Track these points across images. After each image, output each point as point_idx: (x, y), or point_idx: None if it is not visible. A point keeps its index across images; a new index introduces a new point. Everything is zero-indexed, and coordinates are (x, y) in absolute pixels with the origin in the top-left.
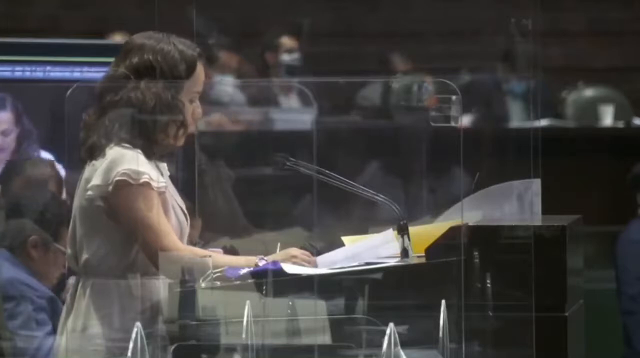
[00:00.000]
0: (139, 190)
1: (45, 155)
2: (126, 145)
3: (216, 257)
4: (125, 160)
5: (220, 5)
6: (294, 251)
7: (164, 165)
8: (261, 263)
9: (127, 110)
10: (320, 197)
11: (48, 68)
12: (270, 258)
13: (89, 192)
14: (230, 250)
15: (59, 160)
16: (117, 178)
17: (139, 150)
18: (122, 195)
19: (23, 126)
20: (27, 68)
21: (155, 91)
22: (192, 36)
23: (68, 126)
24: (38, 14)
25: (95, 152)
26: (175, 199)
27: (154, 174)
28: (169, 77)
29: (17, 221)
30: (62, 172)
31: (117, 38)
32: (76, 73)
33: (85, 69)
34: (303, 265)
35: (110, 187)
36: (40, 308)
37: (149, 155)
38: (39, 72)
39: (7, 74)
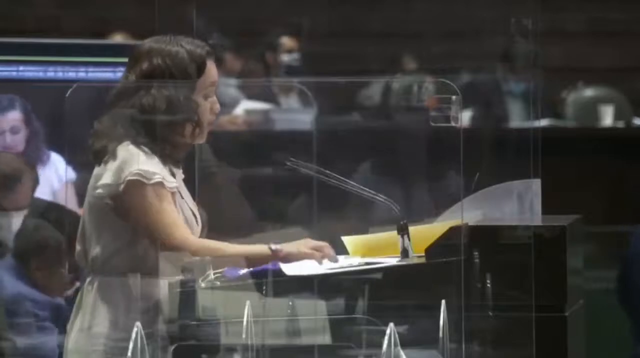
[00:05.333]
0: (151, 190)
1: (55, 155)
2: (136, 146)
3: (227, 246)
4: (137, 160)
5: (220, 5)
6: (310, 243)
7: (179, 171)
8: (274, 251)
9: (138, 114)
10: (320, 197)
11: (52, 68)
12: (283, 246)
13: (99, 190)
14: None
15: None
16: (130, 178)
17: (148, 151)
18: (135, 195)
19: (32, 127)
20: (28, 68)
21: (166, 94)
22: (192, 36)
23: (68, 126)
24: (38, 14)
25: (105, 154)
26: (187, 201)
27: (165, 174)
28: (179, 79)
29: (34, 220)
30: (70, 173)
31: (117, 38)
32: (74, 73)
33: (85, 68)
34: (316, 259)
35: (122, 186)
36: (45, 319)
37: (164, 158)
38: (41, 72)
39: (7, 74)
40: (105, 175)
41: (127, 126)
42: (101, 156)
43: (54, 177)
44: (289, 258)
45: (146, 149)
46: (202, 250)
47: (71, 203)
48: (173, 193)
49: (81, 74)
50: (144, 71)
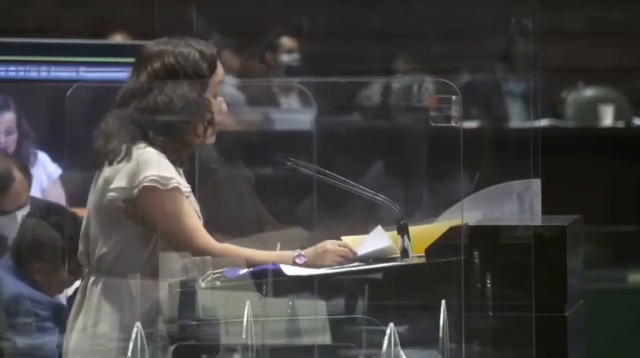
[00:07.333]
0: (169, 195)
1: (42, 154)
2: (152, 149)
3: (249, 252)
4: (152, 165)
5: (220, 5)
6: (329, 245)
7: (180, 170)
8: (298, 260)
9: (153, 113)
10: (320, 197)
11: (52, 68)
12: (306, 252)
13: (112, 194)
14: None
15: (55, 160)
16: (146, 183)
17: (164, 154)
18: (151, 201)
19: (22, 128)
20: (27, 68)
21: (181, 93)
22: (193, 36)
23: (68, 126)
24: (38, 14)
25: (117, 155)
26: (191, 201)
27: (180, 178)
28: (192, 79)
29: (32, 220)
30: (58, 171)
31: (117, 38)
32: (75, 73)
33: (85, 68)
34: (340, 261)
35: (136, 191)
36: (46, 319)
37: (174, 159)
38: (40, 72)
39: (6, 74)
40: (119, 178)
41: (140, 125)
42: (112, 157)
43: (43, 175)
44: (312, 264)
45: (161, 152)
46: (224, 255)
47: (63, 201)
48: (187, 196)
49: (81, 73)
50: (156, 71)
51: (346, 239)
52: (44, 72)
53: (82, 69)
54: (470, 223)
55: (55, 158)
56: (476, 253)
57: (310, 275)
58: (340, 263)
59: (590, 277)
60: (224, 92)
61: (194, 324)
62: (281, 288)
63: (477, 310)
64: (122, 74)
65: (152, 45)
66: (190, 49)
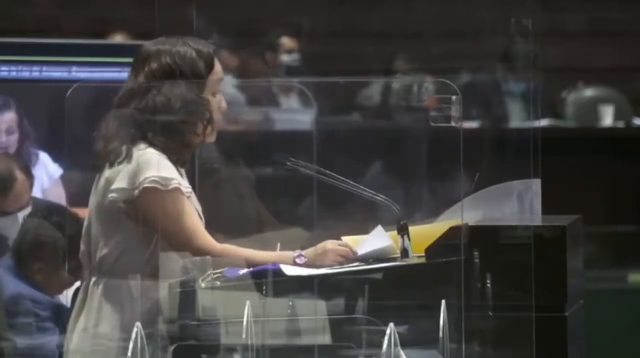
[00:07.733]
0: (169, 196)
1: (43, 154)
2: (153, 149)
3: (249, 252)
4: (152, 166)
5: (220, 5)
6: (329, 245)
7: (182, 171)
8: (299, 260)
9: (152, 113)
10: (320, 197)
11: (44, 68)
12: (306, 252)
13: (113, 194)
14: None
15: (55, 160)
16: (146, 184)
17: (164, 155)
18: (151, 202)
19: (23, 128)
20: (20, 68)
21: (179, 92)
22: (192, 36)
23: (68, 126)
24: (38, 14)
25: (117, 156)
26: (193, 201)
27: (180, 178)
28: (190, 78)
29: (34, 220)
30: (59, 171)
31: (117, 38)
32: (76, 73)
33: (77, 68)
34: (340, 261)
35: (137, 192)
36: (45, 319)
37: (175, 159)
38: (32, 72)
39: (7, 74)
40: (119, 179)
41: (140, 126)
42: (113, 158)
43: (44, 176)
44: (312, 264)
45: (161, 153)
46: (224, 255)
47: (64, 201)
48: (188, 197)
49: (73, 73)
50: (153, 71)
51: (346, 239)
52: (36, 72)
53: (74, 68)
54: (470, 223)
55: (55, 158)
56: (476, 253)
57: (310, 275)
58: (341, 263)
59: (590, 277)
60: (224, 92)
61: (194, 324)
62: (281, 288)
63: (477, 310)
64: (120, 73)
65: (149, 45)
66: (187, 48)
